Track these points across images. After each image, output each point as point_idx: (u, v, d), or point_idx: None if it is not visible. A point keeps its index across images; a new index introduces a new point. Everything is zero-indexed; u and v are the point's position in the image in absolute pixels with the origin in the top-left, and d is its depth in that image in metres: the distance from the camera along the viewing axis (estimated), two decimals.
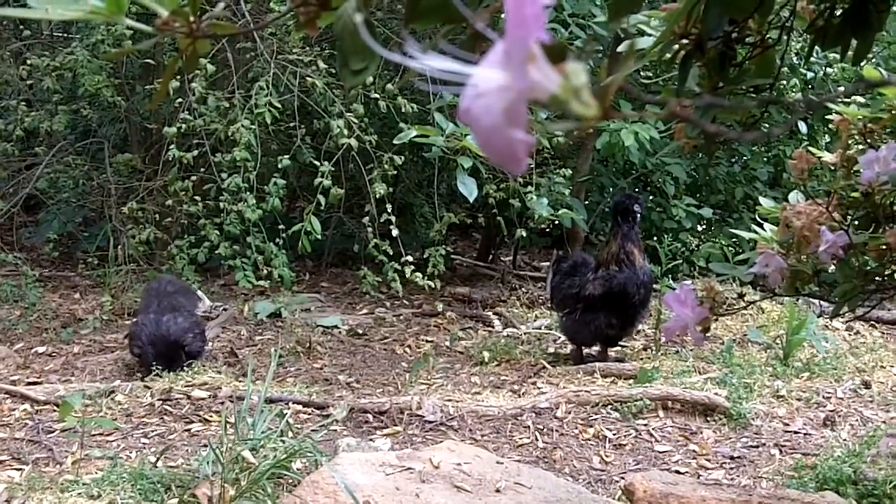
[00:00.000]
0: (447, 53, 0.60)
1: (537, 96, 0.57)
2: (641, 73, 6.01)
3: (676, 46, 1.62)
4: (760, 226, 2.36)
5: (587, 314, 4.81)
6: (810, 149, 2.33)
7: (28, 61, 5.84)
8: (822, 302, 5.93)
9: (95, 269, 6.03)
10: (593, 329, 4.82)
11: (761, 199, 2.53)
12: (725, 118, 1.76)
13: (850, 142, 2.35)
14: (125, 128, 6.68)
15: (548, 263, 6.86)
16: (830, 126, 6.85)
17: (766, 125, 6.54)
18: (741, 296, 2.06)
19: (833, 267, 2.20)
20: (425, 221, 6.98)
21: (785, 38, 1.77)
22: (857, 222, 2.23)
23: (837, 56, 5.67)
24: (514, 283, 6.68)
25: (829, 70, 6.46)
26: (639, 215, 4.83)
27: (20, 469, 3.44)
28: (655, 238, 6.49)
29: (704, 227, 7.43)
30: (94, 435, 3.77)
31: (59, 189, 6.65)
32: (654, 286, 5.28)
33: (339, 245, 6.99)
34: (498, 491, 2.98)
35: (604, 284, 4.78)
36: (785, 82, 6.00)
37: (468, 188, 4.65)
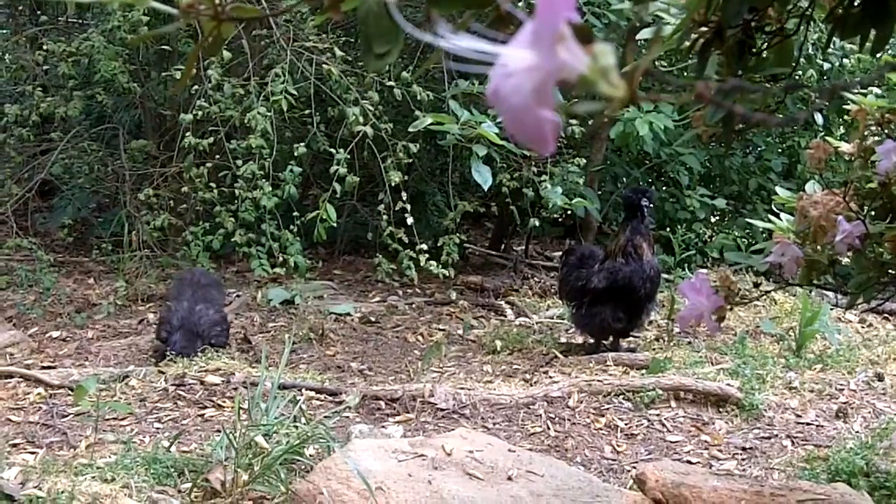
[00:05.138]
0: (476, 33, 0.60)
1: (566, 77, 0.57)
2: (656, 63, 5.99)
3: (695, 34, 1.62)
4: (777, 216, 2.35)
5: (593, 307, 4.81)
6: (827, 139, 2.32)
7: (44, 46, 5.85)
8: (835, 294, 5.92)
9: (109, 255, 6.05)
10: (599, 322, 4.82)
11: (777, 189, 2.53)
12: (744, 106, 1.75)
13: (866, 132, 2.34)
14: (140, 114, 6.69)
15: (560, 253, 6.86)
16: (846, 117, 6.86)
17: (780, 115, 6.52)
18: (756, 285, 2.06)
19: (849, 257, 2.20)
20: (438, 210, 6.98)
21: (804, 27, 1.77)
22: (873, 213, 2.23)
23: (854, 47, 5.65)
24: (526, 272, 6.68)
25: (844, 61, 6.43)
26: (647, 209, 4.81)
27: (34, 452, 3.46)
28: (668, 228, 6.48)
29: (718, 217, 7.42)
30: (107, 419, 3.79)
31: (74, 175, 6.67)
32: (667, 277, 5.28)
33: (352, 233, 7.00)
34: (510, 479, 2.99)
35: (608, 277, 4.78)
36: (801, 73, 5.98)
37: (483, 176, 4.65)
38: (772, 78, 1.75)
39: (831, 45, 5.77)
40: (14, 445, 3.55)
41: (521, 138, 0.59)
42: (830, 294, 5.88)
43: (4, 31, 7.11)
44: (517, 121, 0.58)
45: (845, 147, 2.36)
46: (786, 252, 2.04)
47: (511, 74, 0.57)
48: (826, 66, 6.32)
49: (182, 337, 4.51)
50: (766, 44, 1.72)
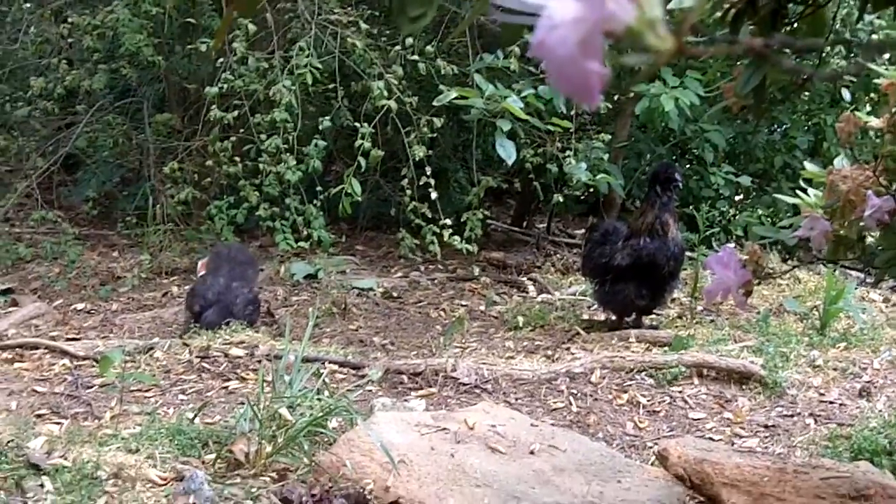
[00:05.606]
0: None
1: (613, 28, 0.56)
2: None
3: (728, 4, 1.61)
4: (804, 192, 2.33)
5: (617, 284, 4.79)
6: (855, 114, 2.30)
7: (69, 19, 5.85)
8: (862, 272, 5.88)
9: (133, 229, 6.08)
10: (622, 299, 4.79)
11: (806, 164, 2.51)
12: (776, 78, 1.74)
13: None
14: (164, 88, 6.70)
15: (582, 231, 6.84)
16: (872, 95, 6.78)
17: (807, 93, 6.45)
18: (785, 260, 2.05)
19: (875, 234, 2.18)
20: (460, 187, 6.98)
21: None
22: None
23: (883, 23, 5.59)
24: (548, 249, 6.66)
25: (873, 37, 6.35)
26: (679, 184, 4.78)
27: (59, 423, 3.48)
28: (692, 206, 6.44)
29: (742, 196, 7.37)
30: (132, 391, 3.81)
31: (98, 148, 6.70)
32: (690, 255, 5.25)
33: (375, 209, 7.00)
34: (532, 453, 2.99)
35: (632, 255, 4.74)
36: (829, 49, 5.91)
37: (507, 151, 4.63)
38: (804, 50, 1.73)
39: (860, 22, 5.70)
40: (39, 416, 3.58)
41: (566, 90, 0.58)
42: (854, 273, 5.85)
43: (29, 5, 7.13)
44: (563, 73, 0.57)
45: (874, 122, 2.33)
46: (815, 226, 2.03)
47: (557, 26, 0.56)
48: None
49: (214, 312, 4.52)
50: (798, 14, 1.71)
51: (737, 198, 7.29)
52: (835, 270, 5.18)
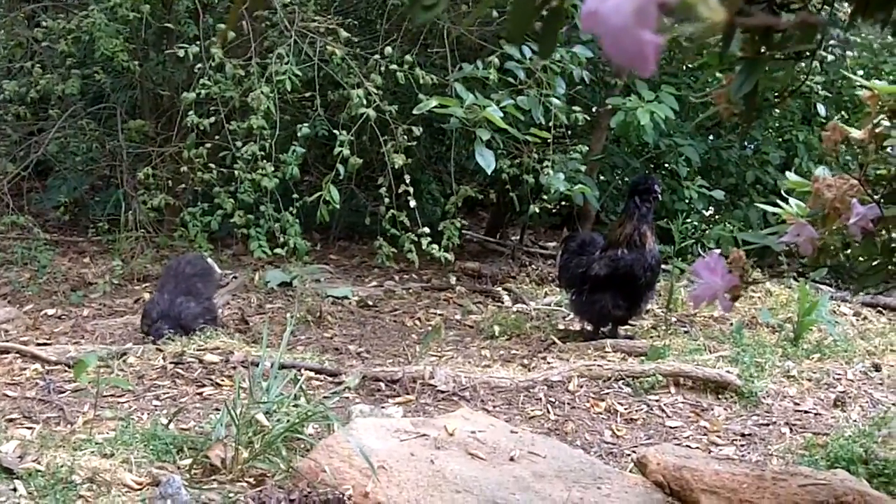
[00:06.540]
0: None
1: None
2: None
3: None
4: (785, 201, 2.35)
5: (594, 294, 4.80)
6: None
7: (43, 23, 5.80)
8: (830, 288, 5.94)
9: (105, 235, 6.02)
10: (599, 309, 4.81)
11: (788, 175, 2.53)
12: (767, 84, 1.75)
13: (878, 118, 2.34)
14: (137, 94, 6.64)
15: (555, 242, 6.85)
16: (843, 113, 6.85)
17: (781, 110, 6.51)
18: (770, 266, 2.06)
19: (858, 242, 2.20)
20: (433, 198, 6.97)
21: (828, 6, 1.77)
22: (882, 200, 2.23)
23: (857, 39, 5.66)
24: (523, 259, 6.67)
25: (847, 52, 6.42)
26: (658, 196, 4.81)
27: (31, 428, 3.45)
28: (666, 219, 6.47)
29: (713, 210, 7.41)
30: (105, 396, 3.78)
31: (70, 154, 6.63)
32: (665, 266, 5.28)
33: (348, 218, 6.97)
34: (512, 459, 2.99)
35: (609, 265, 4.77)
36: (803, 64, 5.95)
37: (486, 160, 4.63)
38: (796, 55, 1.75)
39: (833, 39, 5.76)
40: (10, 420, 3.54)
41: (619, 60, 0.58)
42: (825, 287, 5.90)
43: None
44: (616, 42, 0.56)
45: (856, 133, 2.36)
46: (801, 233, 2.05)
47: None
48: (830, 58, 6.31)
49: (166, 331, 4.45)
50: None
51: (708, 212, 7.32)
52: (806, 283, 5.22)
